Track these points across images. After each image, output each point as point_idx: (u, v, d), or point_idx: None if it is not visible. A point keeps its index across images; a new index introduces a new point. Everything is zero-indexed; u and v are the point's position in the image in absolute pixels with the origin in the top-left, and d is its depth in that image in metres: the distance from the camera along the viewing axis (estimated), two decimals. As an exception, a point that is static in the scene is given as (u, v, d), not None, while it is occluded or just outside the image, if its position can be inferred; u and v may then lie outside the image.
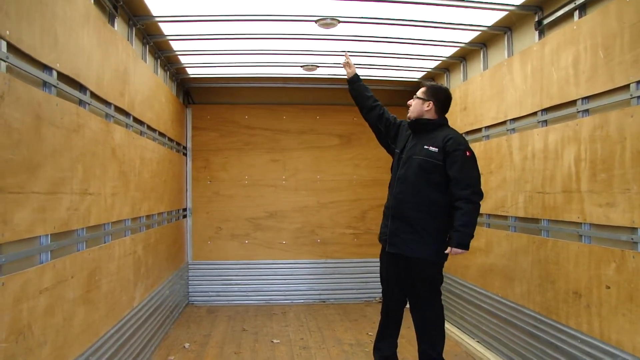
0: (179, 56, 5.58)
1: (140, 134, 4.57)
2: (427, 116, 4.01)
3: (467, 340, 5.19)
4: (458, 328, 5.59)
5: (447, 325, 5.88)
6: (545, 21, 4.08)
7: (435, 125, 3.99)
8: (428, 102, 3.98)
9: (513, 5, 4.16)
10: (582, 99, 3.55)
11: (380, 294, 7.26)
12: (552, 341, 3.84)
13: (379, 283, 7.04)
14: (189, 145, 7.05)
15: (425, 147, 3.88)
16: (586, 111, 3.53)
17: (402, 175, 3.96)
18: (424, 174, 3.86)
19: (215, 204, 7.10)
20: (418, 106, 4.02)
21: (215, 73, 6.39)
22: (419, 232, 3.86)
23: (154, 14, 4.39)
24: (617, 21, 3.22)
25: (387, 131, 4.29)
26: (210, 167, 7.10)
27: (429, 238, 3.86)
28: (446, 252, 3.82)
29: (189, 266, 7.01)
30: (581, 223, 3.55)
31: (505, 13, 4.34)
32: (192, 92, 7.08)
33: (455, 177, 3.78)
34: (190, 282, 7.03)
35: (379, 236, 4.19)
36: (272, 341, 5.40)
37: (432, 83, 4.19)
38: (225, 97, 7.16)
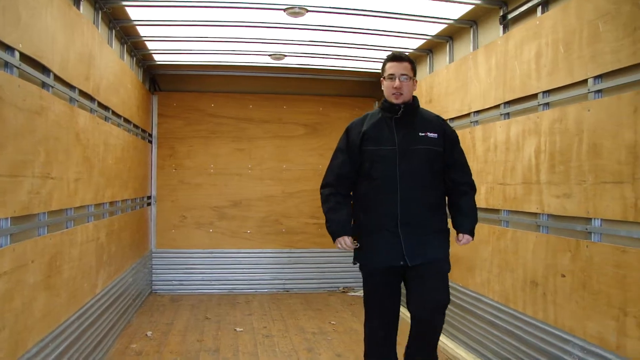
0: (145, 42, 5.52)
1: (105, 120, 4.52)
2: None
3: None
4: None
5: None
6: (510, 16, 4.16)
7: (417, 108, 3.46)
8: (415, 81, 3.41)
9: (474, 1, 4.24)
10: (543, 92, 3.65)
11: (342, 286, 7.44)
12: (510, 329, 3.94)
13: (343, 272, 7.28)
14: (154, 132, 6.99)
15: (422, 134, 3.34)
16: (547, 104, 3.63)
17: (405, 171, 3.29)
18: (430, 165, 3.34)
19: (181, 192, 7.06)
20: (411, 87, 3.38)
21: (182, 60, 6.35)
22: (437, 231, 3.38)
23: (120, -2, 4.33)
24: (576, 18, 3.31)
25: (355, 160, 3.41)
26: (176, 155, 7.06)
27: (443, 234, 3.42)
28: (459, 240, 3.40)
29: (153, 254, 6.96)
30: (539, 214, 3.66)
31: (472, 7, 4.41)
32: (158, 79, 7.01)
33: (460, 162, 3.45)
34: (153, 270, 6.98)
35: (364, 260, 3.41)
36: (235, 329, 5.41)
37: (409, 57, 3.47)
38: (192, 85, 7.12)
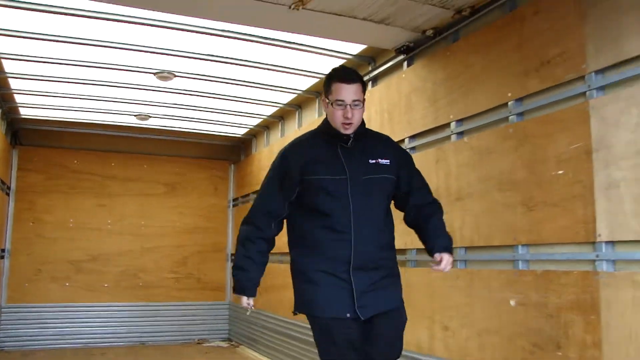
0: (14, 94, 5.76)
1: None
2: None
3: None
4: (270, 358, 6.19)
5: (262, 356, 6.50)
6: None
7: (365, 133, 2.92)
8: (364, 102, 2.83)
9: (322, 74, 5.12)
10: (372, 149, 4.53)
11: (197, 338, 7.73)
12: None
13: (198, 325, 7.62)
14: (12, 185, 7.04)
15: (372, 160, 2.84)
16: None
17: (359, 205, 2.75)
18: (384, 197, 2.87)
19: (37, 246, 7.09)
20: (362, 113, 2.83)
21: (48, 115, 6.59)
22: (390, 276, 2.86)
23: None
24: (396, 92, 4.26)
25: (290, 193, 2.86)
26: (35, 208, 7.12)
27: (398, 278, 2.91)
28: (438, 265, 2.74)
29: (2, 309, 6.85)
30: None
31: (316, 80, 5.28)
32: (20, 134, 7.14)
33: (417, 184, 2.95)
34: (2, 326, 6.84)
35: (310, 310, 2.81)
36: (93, 375, 5.57)
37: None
38: (55, 141, 7.30)
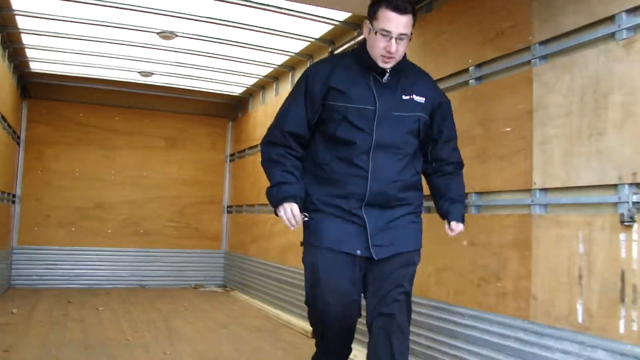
0: (26, 49, 6.15)
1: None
2: None
3: (271, 308, 6.36)
4: (261, 300, 6.72)
5: (253, 299, 7.04)
6: (337, 51, 5.47)
7: (403, 66, 2.70)
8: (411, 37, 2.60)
9: (313, 38, 5.50)
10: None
11: (194, 283, 8.28)
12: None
13: (195, 271, 8.15)
14: (22, 136, 7.47)
15: (406, 97, 2.65)
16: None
17: (382, 140, 2.58)
18: (414, 136, 2.69)
19: (46, 193, 7.55)
20: (406, 47, 2.61)
21: (56, 70, 6.97)
22: (410, 214, 2.71)
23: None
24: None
25: (314, 116, 2.68)
26: (43, 158, 7.56)
27: (418, 218, 2.78)
28: (451, 231, 2.72)
29: (13, 251, 7.36)
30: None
31: (307, 43, 5.67)
32: (30, 87, 7.54)
33: (450, 135, 2.79)
34: (13, 266, 7.36)
35: (316, 241, 2.64)
36: (98, 308, 6.08)
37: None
38: (62, 95, 7.67)
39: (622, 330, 2.48)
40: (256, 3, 4.73)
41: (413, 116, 2.65)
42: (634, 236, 2.45)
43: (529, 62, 3.14)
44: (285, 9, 4.80)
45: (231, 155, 8.44)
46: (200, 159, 8.34)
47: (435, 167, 2.80)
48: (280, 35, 5.45)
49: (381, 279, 2.63)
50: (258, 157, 6.83)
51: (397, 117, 2.61)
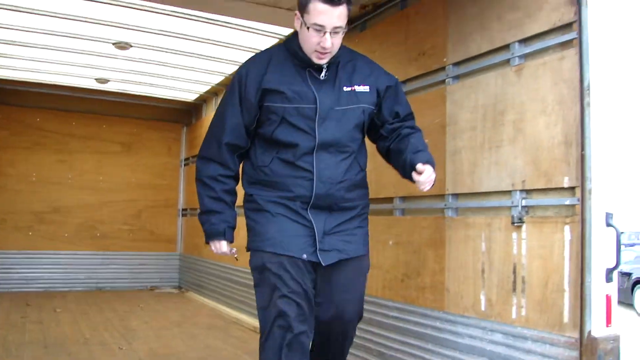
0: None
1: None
2: None
3: (223, 307, 6.67)
4: (214, 300, 7.01)
5: (207, 299, 7.31)
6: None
7: (340, 56, 2.55)
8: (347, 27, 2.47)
9: (259, 49, 5.82)
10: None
11: (150, 285, 8.48)
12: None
13: (151, 273, 8.38)
14: (-22, 139, 7.60)
15: (347, 88, 2.51)
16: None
17: (326, 138, 2.46)
18: (358, 130, 2.58)
19: (1, 197, 7.67)
20: (340, 41, 2.47)
21: (12, 76, 7.13)
22: (357, 217, 2.62)
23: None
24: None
25: (252, 120, 2.54)
26: (-2, 162, 7.71)
27: (365, 221, 2.67)
28: (421, 176, 2.42)
29: (-31, 254, 7.48)
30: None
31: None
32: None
33: (407, 112, 2.68)
34: (-32, 271, 7.48)
35: (261, 244, 2.51)
36: (56, 310, 6.28)
37: None
38: (19, 100, 7.76)
39: (514, 315, 2.89)
40: (205, 18, 5.04)
41: (357, 108, 2.51)
42: (523, 235, 2.86)
43: (444, 81, 3.53)
44: (231, 23, 5.12)
45: (186, 159, 8.70)
46: (155, 163, 8.57)
47: (393, 137, 2.63)
48: (230, 47, 5.77)
49: (330, 288, 2.54)
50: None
51: (340, 113, 2.47)
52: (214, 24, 5.13)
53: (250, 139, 2.57)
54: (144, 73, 6.81)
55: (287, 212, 2.48)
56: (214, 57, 6.13)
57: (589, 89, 2.54)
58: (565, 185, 2.65)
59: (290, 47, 2.51)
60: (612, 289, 2.50)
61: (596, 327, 2.45)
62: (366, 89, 2.53)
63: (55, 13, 5.00)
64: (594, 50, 2.56)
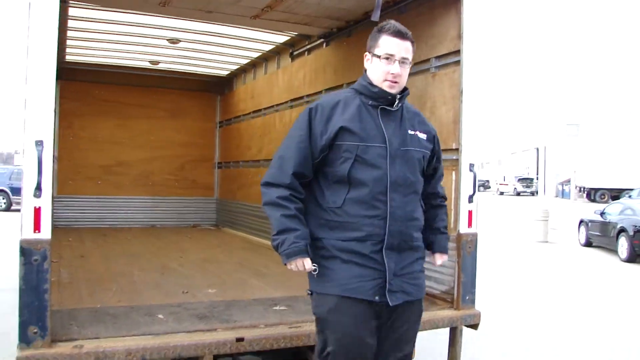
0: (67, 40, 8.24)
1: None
2: None
3: (252, 237, 8.73)
4: (245, 233, 9.04)
5: (239, 232, 9.36)
6: (294, 53, 7.66)
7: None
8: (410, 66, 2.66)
9: (277, 43, 7.70)
10: (306, 95, 7.17)
11: (193, 223, 10.58)
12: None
13: (194, 214, 10.45)
14: (57, 109, 9.60)
15: (411, 132, 2.66)
16: (308, 101, 7.16)
17: (397, 178, 2.56)
18: (420, 173, 2.70)
19: (76, 154, 9.75)
20: (407, 75, 2.65)
21: (85, 60, 9.09)
22: (420, 260, 2.74)
23: None
24: (323, 59, 6.86)
25: (317, 156, 2.62)
26: (73, 127, 9.71)
27: (423, 264, 2.78)
28: (439, 262, 2.90)
29: (54, 198, 9.58)
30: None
31: (273, 47, 7.84)
32: (62, 71, 9.59)
33: (442, 172, 2.92)
34: (55, 210, 9.58)
35: (327, 288, 2.56)
36: (127, 238, 8.39)
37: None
38: (88, 77, 9.72)
39: (428, 225, 4.82)
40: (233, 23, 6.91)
41: (420, 152, 2.63)
42: (433, 177, 4.76)
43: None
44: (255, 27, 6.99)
45: (220, 122, 10.67)
46: (195, 126, 10.58)
47: (426, 201, 2.80)
48: (251, 39, 7.64)
49: (393, 329, 2.60)
50: (241, 125, 9.07)
51: (407, 153, 2.57)
52: (237, 27, 7.01)
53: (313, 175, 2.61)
54: (187, 57, 8.72)
55: (356, 257, 2.50)
56: (240, 44, 7.98)
57: (462, 92, 4.39)
58: (453, 147, 4.51)
59: (359, 87, 2.65)
60: (473, 207, 4.38)
61: (462, 227, 4.34)
62: (424, 136, 2.69)
63: (127, 21, 6.92)
64: (466, 68, 4.39)
